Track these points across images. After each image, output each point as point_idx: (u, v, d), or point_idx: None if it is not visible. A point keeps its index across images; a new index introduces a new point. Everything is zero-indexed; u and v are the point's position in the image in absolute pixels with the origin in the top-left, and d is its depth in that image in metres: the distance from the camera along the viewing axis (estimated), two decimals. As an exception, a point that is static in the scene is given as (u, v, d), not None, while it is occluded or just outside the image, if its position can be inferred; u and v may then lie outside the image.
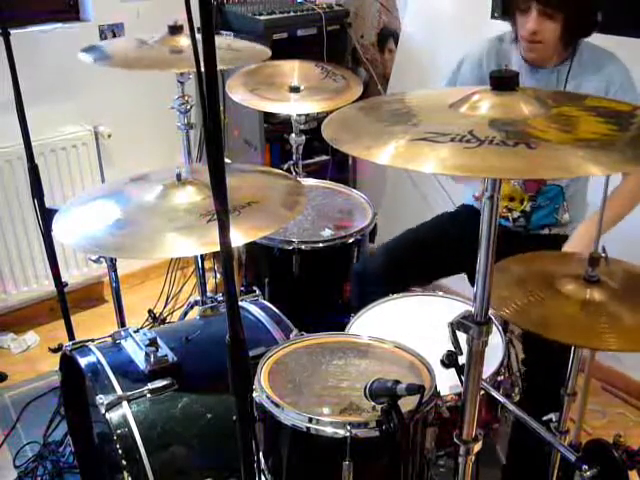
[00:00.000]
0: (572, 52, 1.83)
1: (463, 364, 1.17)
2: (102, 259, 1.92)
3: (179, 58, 1.94)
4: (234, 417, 1.04)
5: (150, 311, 2.69)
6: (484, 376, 1.41)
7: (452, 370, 1.22)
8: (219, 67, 0.91)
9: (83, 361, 1.56)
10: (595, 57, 1.83)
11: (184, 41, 1.97)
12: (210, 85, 0.84)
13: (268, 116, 2.91)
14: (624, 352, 2.26)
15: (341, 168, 3.23)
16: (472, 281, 1.91)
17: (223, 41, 2.20)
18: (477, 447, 1.21)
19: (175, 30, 1.99)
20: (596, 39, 1.86)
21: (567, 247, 1.83)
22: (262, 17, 2.83)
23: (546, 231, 2.03)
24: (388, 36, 3.11)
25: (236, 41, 2.39)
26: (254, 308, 1.78)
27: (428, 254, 2.04)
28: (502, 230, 1.07)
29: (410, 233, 2.12)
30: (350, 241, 2.04)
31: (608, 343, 1.21)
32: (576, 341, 1.28)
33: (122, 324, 2.02)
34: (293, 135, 2.34)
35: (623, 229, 1.77)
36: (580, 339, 1.25)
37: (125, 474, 1.40)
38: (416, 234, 2.11)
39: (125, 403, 1.45)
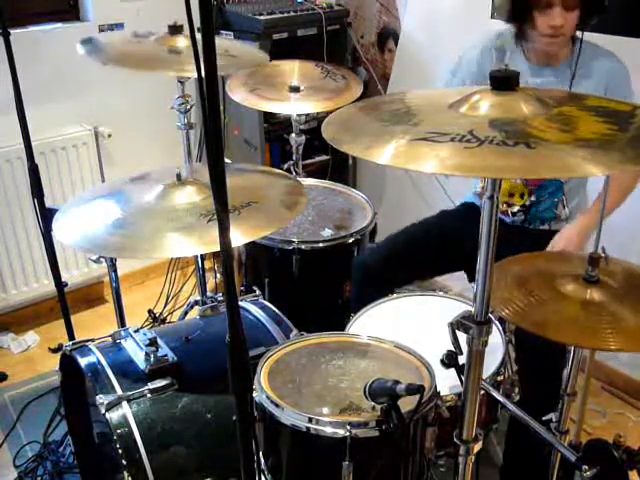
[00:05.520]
0: (577, 51, 1.84)
1: (463, 364, 1.17)
2: (102, 259, 1.92)
3: (180, 58, 1.93)
4: (234, 417, 1.04)
5: (150, 311, 2.68)
6: (484, 376, 1.41)
7: (452, 370, 1.23)
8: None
9: (83, 361, 1.55)
10: (595, 55, 1.85)
11: (184, 41, 1.96)
12: (210, 85, 0.84)
13: (268, 116, 2.91)
14: (624, 352, 2.26)
15: (341, 168, 3.23)
16: (471, 278, 1.91)
17: (221, 45, 2.18)
18: (477, 447, 1.21)
19: (175, 30, 1.98)
20: (596, 39, 1.87)
21: (555, 246, 1.83)
22: (262, 17, 2.83)
23: (546, 227, 2.03)
24: (388, 36, 3.11)
25: (235, 45, 2.35)
26: (254, 308, 1.78)
27: (428, 249, 2.06)
28: (501, 227, 1.07)
29: (412, 228, 2.13)
30: (350, 241, 2.05)
31: (608, 343, 1.21)
32: (576, 341, 1.28)
33: (122, 324, 2.02)
34: (293, 135, 2.34)
35: (623, 229, 1.77)
36: (580, 339, 1.25)
37: (125, 474, 1.39)
38: (418, 229, 2.12)
39: (125, 403, 1.45)
